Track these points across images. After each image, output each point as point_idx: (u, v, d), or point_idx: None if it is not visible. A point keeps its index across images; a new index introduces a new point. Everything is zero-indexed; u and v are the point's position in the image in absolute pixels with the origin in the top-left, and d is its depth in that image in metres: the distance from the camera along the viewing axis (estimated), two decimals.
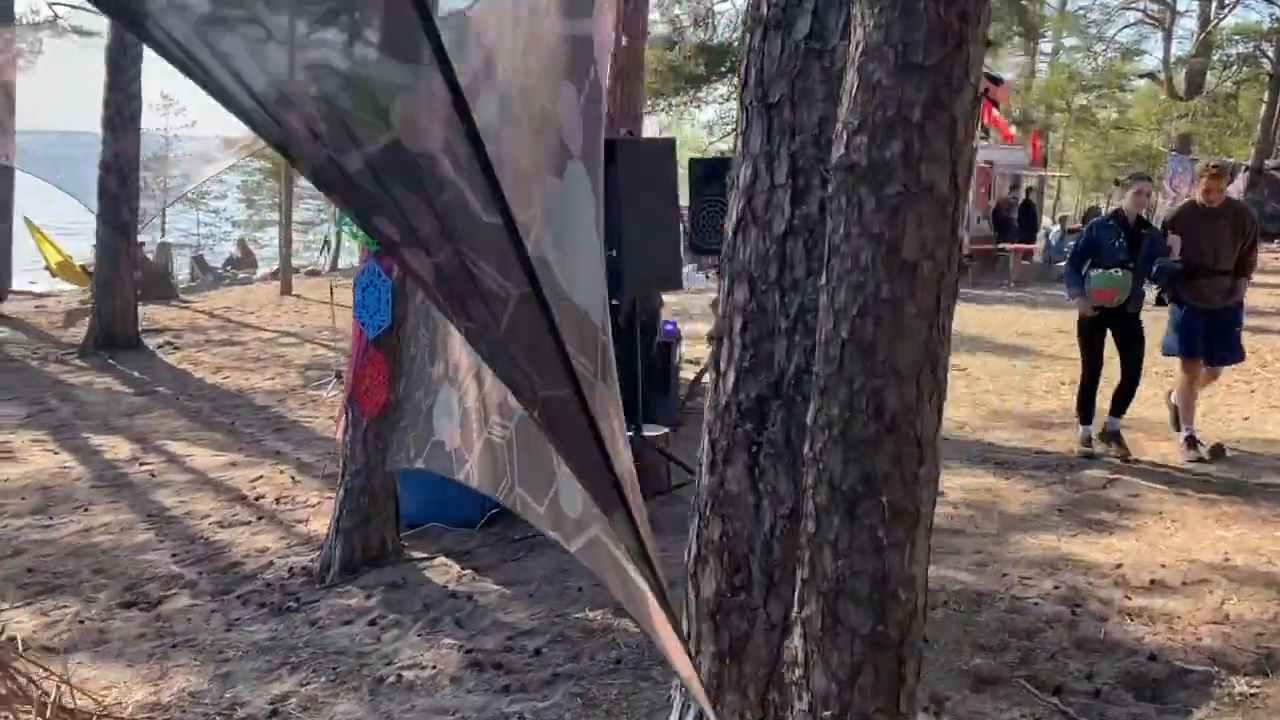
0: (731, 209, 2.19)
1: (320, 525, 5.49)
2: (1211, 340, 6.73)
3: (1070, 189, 40.42)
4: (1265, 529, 5.28)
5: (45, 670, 3.50)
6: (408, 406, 3.76)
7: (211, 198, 29.46)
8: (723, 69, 20.55)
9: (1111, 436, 6.82)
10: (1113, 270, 6.53)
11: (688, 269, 21.06)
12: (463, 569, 4.86)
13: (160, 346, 11.66)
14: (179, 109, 25.99)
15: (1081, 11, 35.15)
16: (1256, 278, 7.73)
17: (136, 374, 10.04)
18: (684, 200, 10.00)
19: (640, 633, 3.92)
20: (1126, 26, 35.10)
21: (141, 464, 6.94)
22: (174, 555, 5.20)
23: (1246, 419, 7.82)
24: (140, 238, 15.46)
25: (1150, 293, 7.08)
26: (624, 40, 9.40)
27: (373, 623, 4.29)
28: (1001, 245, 19.87)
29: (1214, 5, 29.14)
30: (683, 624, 2.31)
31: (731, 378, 2.17)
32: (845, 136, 1.71)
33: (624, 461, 1.73)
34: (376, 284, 4.72)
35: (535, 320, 1.35)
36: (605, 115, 2.18)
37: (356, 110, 1.30)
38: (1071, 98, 34.08)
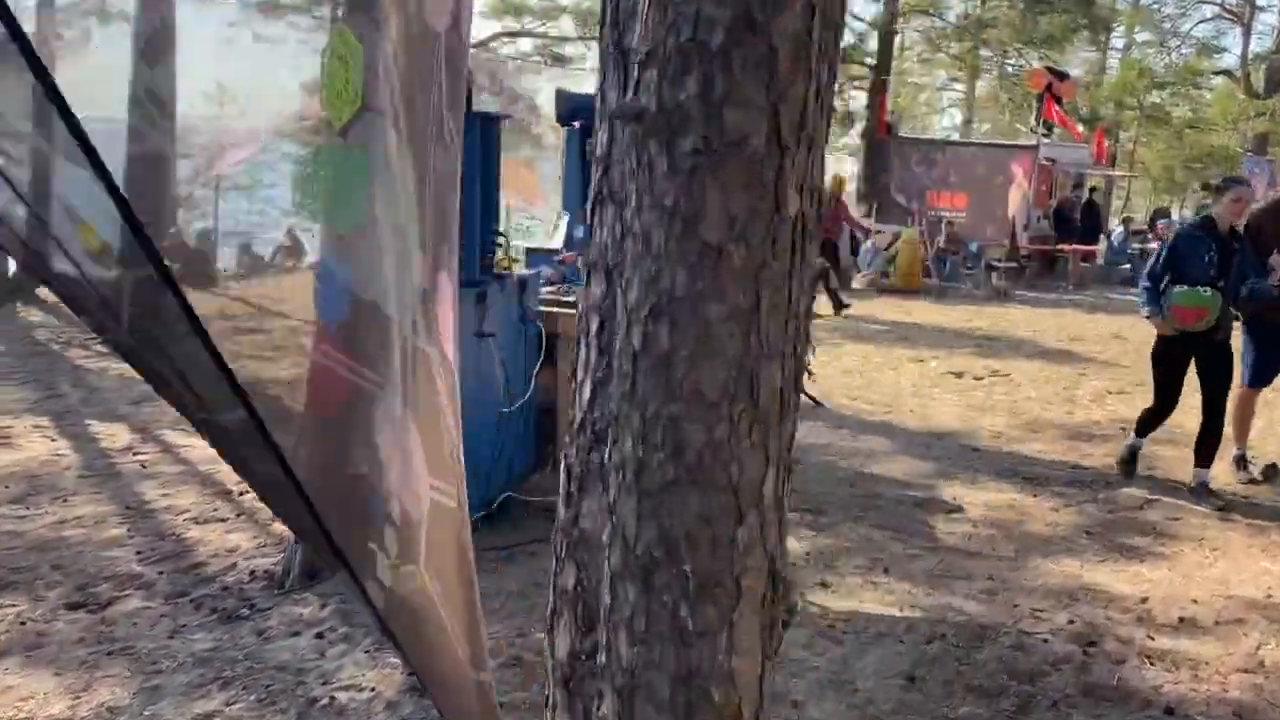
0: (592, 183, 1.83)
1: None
2: None
3: (1142, 190, 39.16)
4: None
5: None
6: None
7: (264, 185, 29.56)
8: None
9: (1202, 491, 5.85)
10: (1200, 288, 5.62)
11: None
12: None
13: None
14: (230, 97, 26.07)
15: (1155, 5, 33.97)
16: None
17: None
18: None
19: None
20: (1203, 21, 33.90)
21: (135, 454, 6.75)
22: (139, 553, 4.96)
23: None
24: (181, 224, 15.44)
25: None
26: None
27: (320, 635, 4.00)
28: (1060, 246, 19.13)
29: None
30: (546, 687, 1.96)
31: (587, 390, 1.80)
32: (632, 72, 1.34)
33: (408, 497, 1.40)
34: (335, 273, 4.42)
35: (167, 314, 1.02)
36: (460, 71, 1.83)
37: None
38: (1143, 95, 32.94)
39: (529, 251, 7.91)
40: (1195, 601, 4.32)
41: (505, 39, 22.90)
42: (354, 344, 1.75)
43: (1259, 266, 5.70)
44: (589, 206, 1.80)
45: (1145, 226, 22.19)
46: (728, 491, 1.35)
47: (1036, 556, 4.88)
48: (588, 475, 1.77)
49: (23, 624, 4.17)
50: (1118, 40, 35.68)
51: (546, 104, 15.68)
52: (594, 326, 1.73)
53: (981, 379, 9.33)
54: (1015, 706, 3.43)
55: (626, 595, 1.40)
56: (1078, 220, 20.12)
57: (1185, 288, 5.65)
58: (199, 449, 6.83)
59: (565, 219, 8.13)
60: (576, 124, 8.20)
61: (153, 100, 10.47)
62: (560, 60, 22.14)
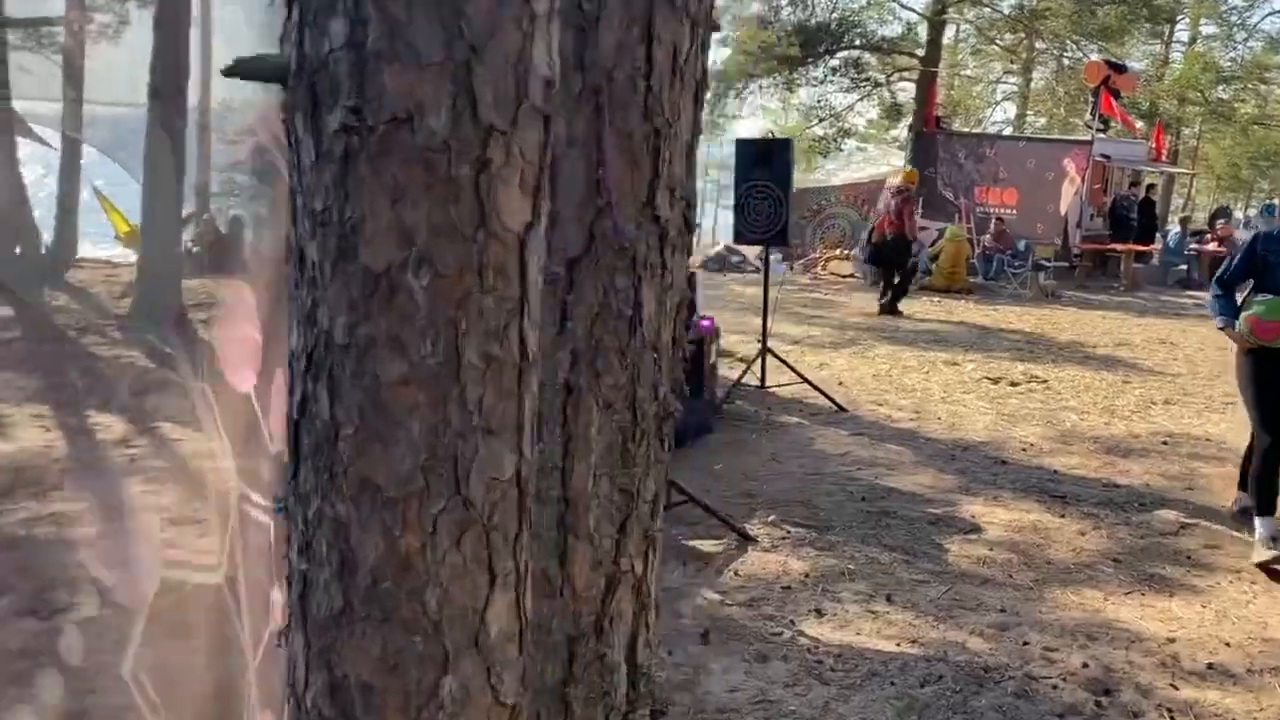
0: None
1: None
2: None
3: (1205, 189, 37.96)
4: None
5: None
6: None
7: None
8: (820, 50, 19.59)
9: (1244, 517, 5.18)
10: None
11: (771, 260, 20.26)
12: None
13: (204, 321, 11.44)
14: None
15: None
16: None
17: (167, 349, 9.79)
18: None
19: None
20: (1273, 14, 32.78)
21: (128, 447, 6.58)
22: (105, 556, 4.76)
23: None
24: (213, 210, 15.39)
25: None
26: None
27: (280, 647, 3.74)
28: (1113, 245, 18.47)
29: None
30: None
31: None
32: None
33: None
34: None
35: None
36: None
37: None
38: (1208, 90, 31.85)
39: None
40: (1227, 645, 3.92)
41: None
42: None
43: None
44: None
45: (1204, 226, 21.39)
46: (420, 628, 1.00)
47: (1056, 586, 4.50)
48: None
49: None
50: (1182, 33, 34.53)
51: None
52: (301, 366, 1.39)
53: (1018, 385, 8.89)
54: None
55: None
56: (1135, 218, 19.42)
57: (1268, 296, 4.89)
58: (192, 442, 6.64)
59: None
60: None
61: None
62: None
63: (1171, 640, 3.95)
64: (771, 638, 3.89)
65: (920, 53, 20.80)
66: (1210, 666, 3.73)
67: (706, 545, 4.93)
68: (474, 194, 0.97)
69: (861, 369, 9.47)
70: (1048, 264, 16.58)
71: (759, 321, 12.07)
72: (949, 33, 29.28)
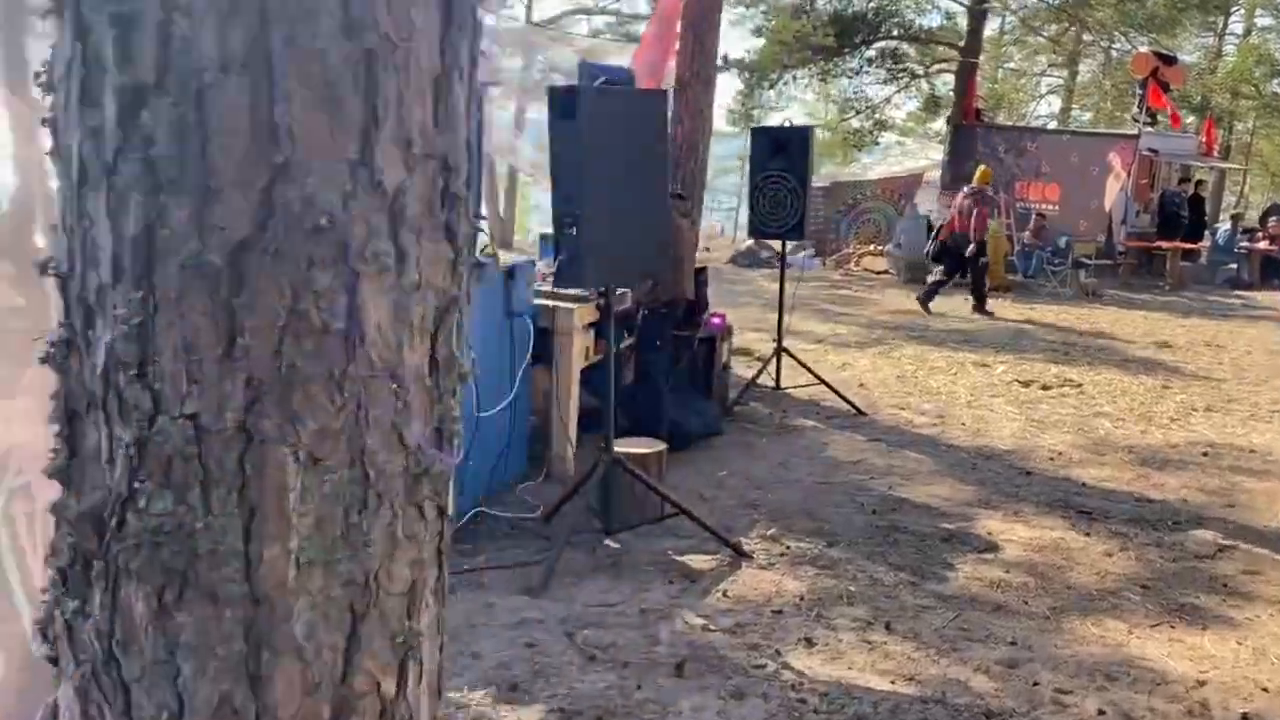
0: None
1: None
2: None
3: (1259, 185, 36.85)
4: None
5: None
6: None
7: None
8: (856, 40, 19.08)
9: None
10: None
11: (803, 254, 19.78)
12: None
13: None
14: None
15: None
16: None
17: None
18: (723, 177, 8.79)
19: None
20: None
21: None
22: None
23: None
24: None
25: None
26: None
27: None
28: (1158, 243, 17.82)
29: None
30: None
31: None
32: None
33: None
34: None
35: None
36: None
37: None
38: (1262, 84, 30.84)
39: (542, 238, 7.30)
40: (1265, 690, 3.51)
41: (579, 15, 22.38)
42: None
43: None
44: None
45: (1256, 224, 20.61)
46: None
47: (1075, 616, 4.09)
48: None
49: None
50: (1236, 25, 33.49)
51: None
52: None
53: (1050, 389, 8.43)
54: None
55: None
56: (1185, 215, 18.71)
57: None
58: None
59: None
60: None
61: None
62: (635, 41, 21.46)
63: (1202, 683, 3.54)
64: (753, 671, 3.53)
65: (961, 44, 20.20)
66: (1245, 717, 3.32)
67: (697, 561, 4.57)
68: None
69: (885, 370, 9.05)
70: (1089, 262, 15.99)
71: (785, 318, 11.71)
72: (993, 24, 28.63)
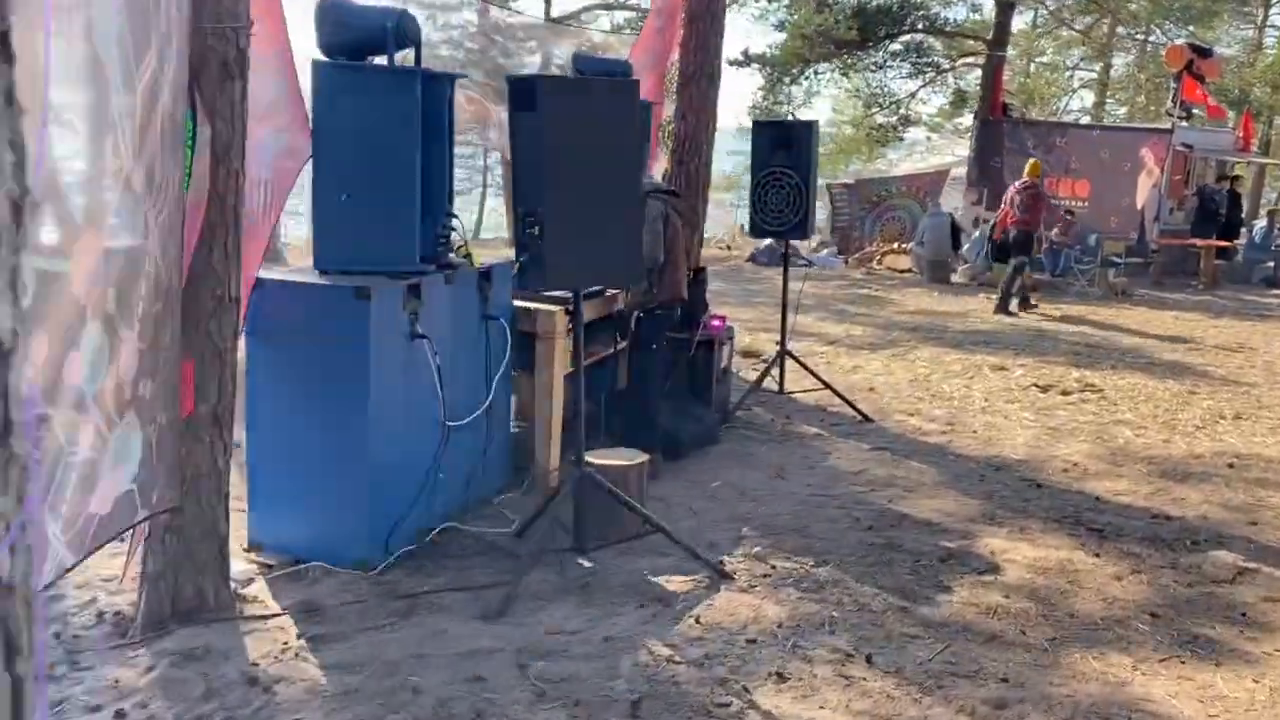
0: None
1: None
2: None
3: None
4: None
5: None
6: None
7: None
8: (880, 34, 18.67)
9: None
10: None
11: (825, 252, 19.42)
12: (299, 636, 3.72)
13: None
14: None
15: None
16: None
17: None
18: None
19: None
20: None
21: None
22: None
23: None
24: None
25: None
26: None
27: (122, 714, 3.21)
28: (1192, 241, 17.30)
29: None
30: None
31: None
32: None
33: None
34: None
35: None
36: None
37: None
38: None
39: None
40: None
41: (598, 11, 22.12)
42: None
43: None
44: None
45: None
46: None
47: (1076, 648, 3.77)
48: None
49: None
50: (1277, 16, 32.67)
51: None
52: None
53: (1069, 394, 8.06)
54: None
55: None
56: (1222, 212, 18.14)
57: None
58: None
59: None
60: None
61: None
62: None
63: None
64: (715, 710, 3.24)
65: (988, 36, 19.73)
66: None
67: (674, 582, 4.29)
68: None
69: (898, 373, 8.72)
70: (1118, 260, 15.52)
71: (800, 319, 11.38)
72: (1025, 18, 28.07)
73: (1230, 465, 6.26)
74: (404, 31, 4.59)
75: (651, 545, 4.60)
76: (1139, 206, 17.69)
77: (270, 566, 4.36)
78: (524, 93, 3.78)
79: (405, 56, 4.81)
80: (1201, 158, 19.44)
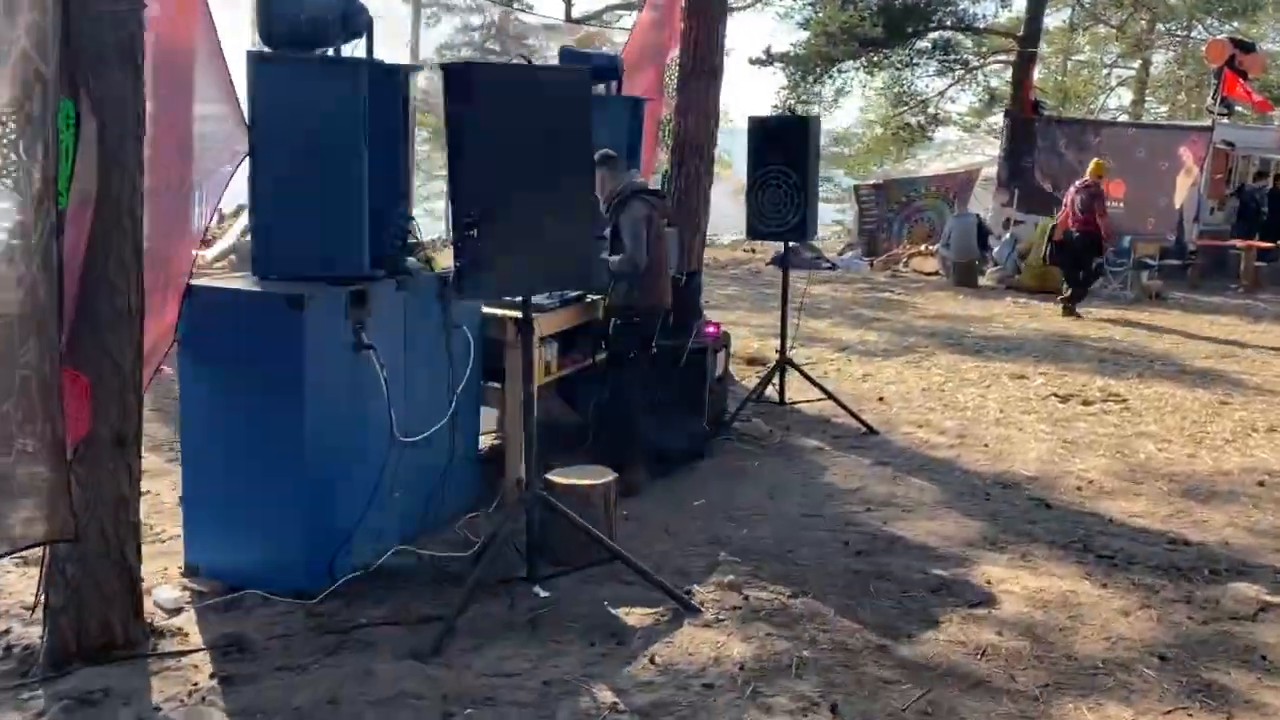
0: None
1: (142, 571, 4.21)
2: None
3: None
4: None
5: None
6: None
7: None
8: (907, 31, 18.18)
9: None
10: None
11: (849, 255, 18.96)
12: (212, 675, 3.41)
13: None
14: None
15: None
16: None
17: None
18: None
19: None
20: None
21: None
22: None
23: None
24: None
25: None
26: None
27: None
28: (1231, 242, 16.68)
29: None
30: None
31: None
32: None
33: None
34: None
35: None
36: None
37: None
38: None
39: None
40: None
41: (620, 11, 21.80)
42: None
43: None
44: None
45: None
46: None
47: (1070, 696, 3.38)
48: None
49: None
50: None
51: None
52: None
53: (1091, 404, 7.61)
54: None
55: None
56: (1264, 212, 17.45)
57: None
58: None
59: None
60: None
61: None
62: None
63: None
64: None
65: (1019, 33, 19.18)
66: None
67: (634, 615, 3.94)
68: None
69: (911, 381, 8.30)
70: (1152, 262, 14.95)
71: (815, 324, 11.01)
72: (1061, 15, 27.41)
73: (1260, 484, 5.81)
74: (352, 20, 4.30)
75: (618, 571, 4.26)
76: (1177, 207, 17.10)
77: (203, 594, 4.07)
78: (462, 82, 3.45)
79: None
80: (1243, 156, 18.78)
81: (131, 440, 3.31)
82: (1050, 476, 5.89)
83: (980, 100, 23.13)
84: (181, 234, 4.01)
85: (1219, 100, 18.53)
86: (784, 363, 7.09)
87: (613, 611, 3.97)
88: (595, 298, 5.69)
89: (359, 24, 4.33)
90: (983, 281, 15.22)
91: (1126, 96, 29.02)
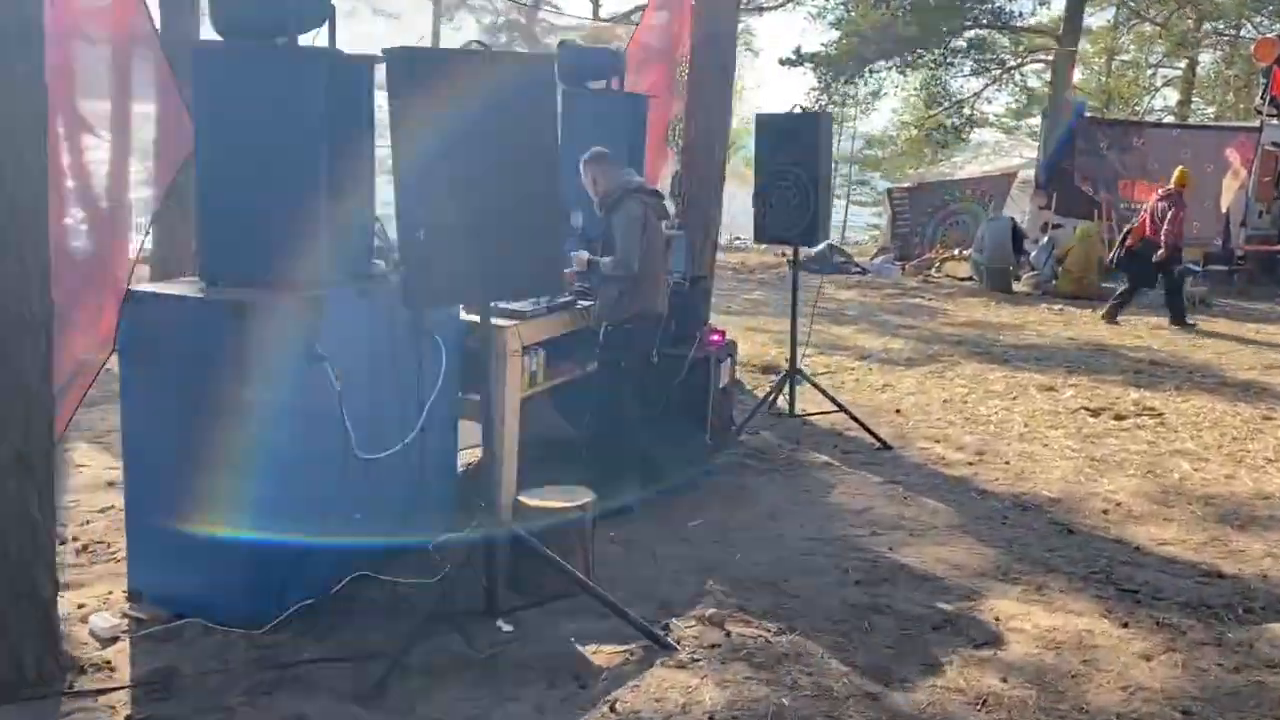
0: None
1: (85, 595, 3.97)
2: None
3: None
4: None
5: None
6: None
7: None
8: (942, 29, 17.70)
9: None
10: None
11: (879, 259, 18.49)
12: (128, 719, 3.13)
13: None
14: None
15: None
16: None
17: None
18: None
19: None
20: None
21: None
22: None
23: None
24: None
25: None
26: None
27: None
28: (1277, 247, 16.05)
29: None
30: None
31: None
32: None
33: None
34: None
35: None
36: None
37: None
38: None
39: None
40: None
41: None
42: None
43: None
44: None
45: None
46: None
47: None
48: None
49: None
50: None
51: None
52: None
53: (1123, 419, 7.18)
54: None
55: None
56: None
57: None
58: (95, 469, 5.68)
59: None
60: (592, 85, 6.64)
61: None
62: None
63: None
64: None
65: (1058, 32, 18.63)
66: None
67: (601, 653, 3.61)
68: None
69: (932, 393, 7.90)
70: (1196, 268, 14.37)
71: (839, 331, 10.62)
72: (1105, 15, 26.73)
73: None
74: (311, 7, 4.01)
75: (589, 603, 3.92)
76: (1223, 210, 16.51)
77: (142, 622, 3.79)
78: (404, 71, 3.14)
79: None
80: None
81: (39, 460, 3.03)
82: (1074, 498, 5.48)
83: (1017, 101, 22.55)
84: (120, 237, 3.74)
85: (1268, 100, 17.87)
86: (794, 373, 6.73)
87: (580, 649, 3.65)
88: (587, 303, 5.38)
89: (319, 11, 4.05)
90: (1017, 287, 14.73)
91: (1172, 97, 28.26)
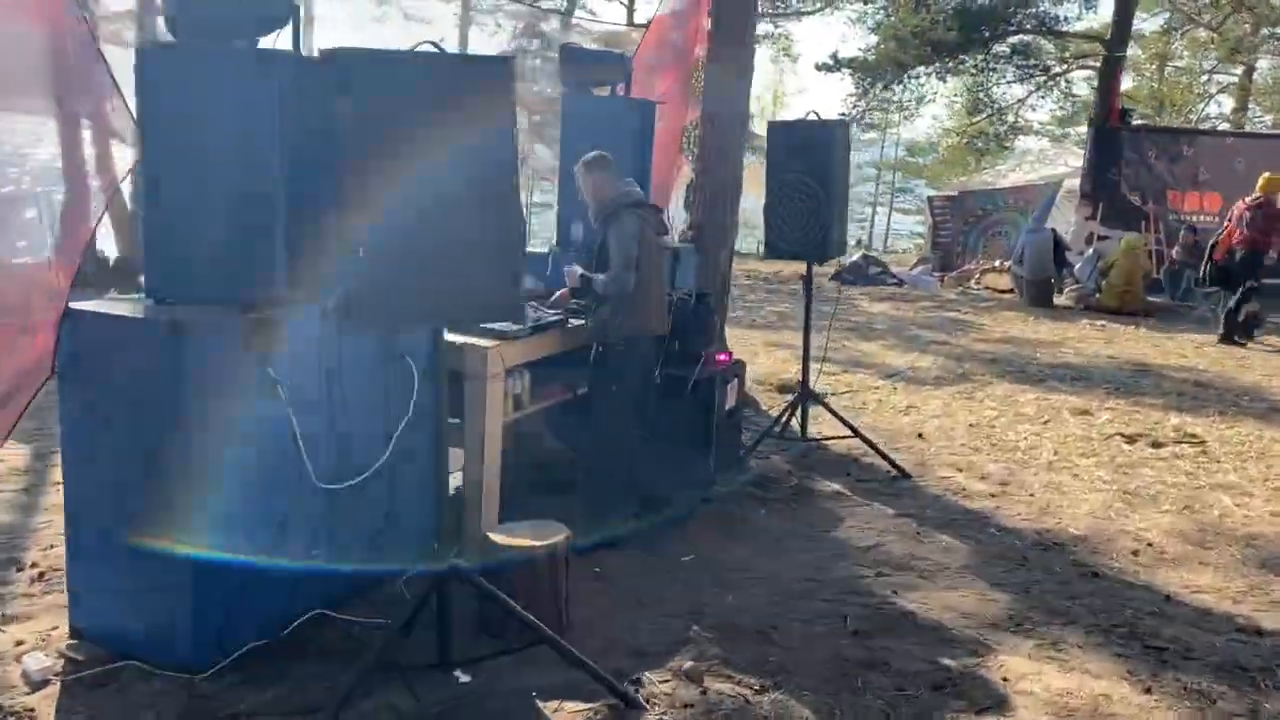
0: None
1: (28, 630, 3.74)
2: None
3: None
4: None
5: None
6: None
7: None
8: (984, 33, 17.20)
9: None
10: None
11: (917, 270, 18.02)
12: None
13: None
14: None
15: None
16: None
17: None
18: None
19: None
20: None
21: None
22: None
23: None
24: None
25: None
26: None
27: None
28: None
29: None
30: None
31: None
32: None
33: None
34: None
35: None
36: None
37: None
38: None
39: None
40: None
41: None
42: None
43: None
44: None
45: None
46: None
47: None
48: None
49: None
50: None
51: None
52: None
53: (1162, 447, 6.74)
54: None
55: None
56: None
57: None
58: None
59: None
60: (595, 90, 6.36)
61: None
62: None
63: None
64: None
65: (1105, 36, 18.05)
66: None
67: (563, 712, 3.30)
68: None
69: (959, 415, 7.51)
70: (1249, 283, 13.76)
71: (865, 347, 10.23)
72: (1158, 20, 26.02)
73: None
74: (272, 7, 3.76)
75: (544, 656, 3.60)
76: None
77: (79, 664, 3.54)
78: (339, 72, 2.87)
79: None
80: None
81: None
82: (1102, 537, 5.09)
83: (1063, 108, 21.94)
84: (65, 250, 3.51)
85: None
86: (805, 394, 6.38)
87: (540, 705, 3.34)
88: (578, 323, 5.08)
89: (280, 11, 3.79)
90: (1059, 301, 14.24)
91: (1228, 104, 27.44)
